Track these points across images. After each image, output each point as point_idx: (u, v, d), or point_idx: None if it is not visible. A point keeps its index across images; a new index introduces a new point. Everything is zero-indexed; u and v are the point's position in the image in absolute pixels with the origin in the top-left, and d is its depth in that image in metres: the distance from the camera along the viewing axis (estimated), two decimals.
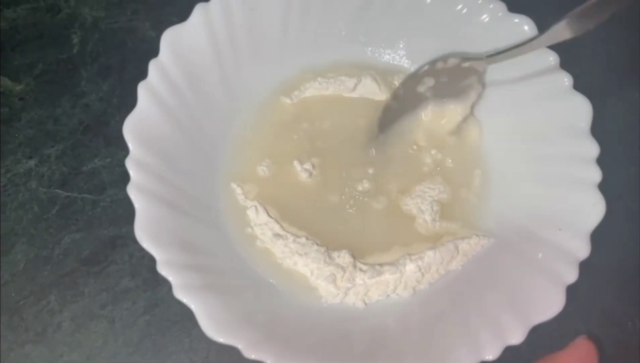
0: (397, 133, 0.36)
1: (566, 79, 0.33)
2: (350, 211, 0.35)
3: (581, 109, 0.32)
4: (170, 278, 0.28)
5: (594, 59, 0.35)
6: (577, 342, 0.29)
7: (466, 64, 0.35)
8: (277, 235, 0.33)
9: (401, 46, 0.38)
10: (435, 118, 0.36)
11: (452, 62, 0.35)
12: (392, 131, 0.36)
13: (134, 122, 0.31)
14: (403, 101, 0.36)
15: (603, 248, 0.30)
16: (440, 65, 0.36)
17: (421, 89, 0.36)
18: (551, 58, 0.33)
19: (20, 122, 0.40)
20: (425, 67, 0.36)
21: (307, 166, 0.35)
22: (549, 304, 0.29)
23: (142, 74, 0.32)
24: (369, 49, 0.38)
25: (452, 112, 0.36)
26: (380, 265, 0.33)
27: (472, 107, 0.36)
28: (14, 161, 0.39)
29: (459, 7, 0.36)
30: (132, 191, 0.29)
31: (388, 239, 0.34)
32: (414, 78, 0.36)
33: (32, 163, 0.39)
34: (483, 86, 0.36)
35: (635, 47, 0.41)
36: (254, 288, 0.32)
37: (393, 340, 0.30)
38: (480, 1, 0.35)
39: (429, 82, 0.36)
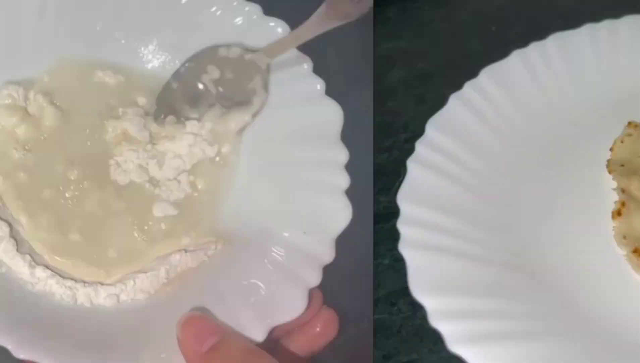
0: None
1: (318, 85, 0.34)
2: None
3: (332, 115, 0.33)
4: None
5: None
6: (320, 311, 0.31)
7: (248, 56, 0.34)
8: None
9: (155, 44, 0.36)
10: (216, 124, 0.35)
11: (234, 51, 0.35)
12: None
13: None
14: (184, 86, 0.35)
15: (343, 250, 0.31)
16: (223, 52, 0.35)
17: (205, 79, 0.35)
18: (305, 65, 0.34)
19: None
20: (208, 52, 0.35)
21: None
22: (291, 306, 0.29)
23: None
24: (123, 43, 0.36)
25: (234, 121, 0.35)
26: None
27: (254, 115, 0.35)
28: None
29: (214, 8, 0.35)
30: None
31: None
32: (198, 62, 0.35)
33: None
34: (267, 92, 0.35)
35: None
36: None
37: (135, 339, 0.29)
38: (235, 3, 0.35)
39: (214, 72, 0.35)
